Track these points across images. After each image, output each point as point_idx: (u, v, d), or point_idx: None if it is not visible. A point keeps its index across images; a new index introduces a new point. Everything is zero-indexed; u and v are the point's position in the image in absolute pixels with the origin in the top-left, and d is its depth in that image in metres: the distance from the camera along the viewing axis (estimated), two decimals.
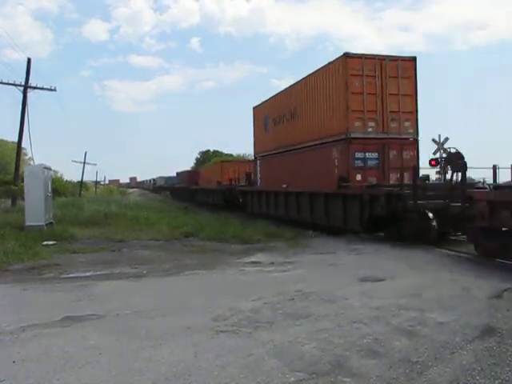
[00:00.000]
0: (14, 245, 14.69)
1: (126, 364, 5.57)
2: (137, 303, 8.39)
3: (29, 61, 31.01)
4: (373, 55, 18.41)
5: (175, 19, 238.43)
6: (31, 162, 37.81)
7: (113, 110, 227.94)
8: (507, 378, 5.04)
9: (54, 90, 32.29)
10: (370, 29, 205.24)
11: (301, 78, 22.33)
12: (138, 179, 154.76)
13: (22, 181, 22.55)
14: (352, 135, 17.73)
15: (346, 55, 17.82)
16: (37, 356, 5.88)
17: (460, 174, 14.71)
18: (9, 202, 31.94)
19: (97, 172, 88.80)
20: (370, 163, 18.01)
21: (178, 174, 72.05)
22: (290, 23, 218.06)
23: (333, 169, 18.69)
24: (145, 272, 11.41)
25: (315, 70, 20.62)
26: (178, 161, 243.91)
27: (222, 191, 38.71)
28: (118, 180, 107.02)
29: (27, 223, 18.57)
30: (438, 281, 9.80)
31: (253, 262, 12.59)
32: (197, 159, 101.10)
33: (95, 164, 72.86)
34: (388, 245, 14.93)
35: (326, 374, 5.18)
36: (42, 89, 31.93)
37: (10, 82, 30.74)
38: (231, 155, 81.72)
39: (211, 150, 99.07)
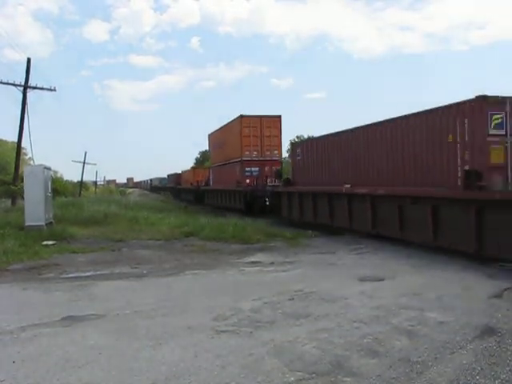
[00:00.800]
0: (14, 244, 14.71)
1: (126, 364, 5.57)
2: (137, 303, 8.39)
3: (28, 61, 30.91)
4: (256, 116, 31.90)
5: (175, 19, 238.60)
6: (31, 162, 37.76)
7: (113, 110, 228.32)
8: (507, 378, 5.04)
9: (54, 90, 32.21)
10: (370, 29, 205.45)
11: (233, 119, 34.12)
12: (136, 179, 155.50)
13: (22, 181, 22.49)
14: (243, 158, 31.42)
15: (241, 116, 31.76)
16: (37, 356, 5.89)
17: None
18: (9, 201, 31.91)
19: (96, 172, 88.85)
20: (254, 173, 31.08)
21: (168, 176, 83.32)
22: (289, 23, 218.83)
23: (234, 176, 32.57)
24: (145, 272, 11.42)
25: (228, 122, 35.77)
26: (179, 161, 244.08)
27: (193, 190, 51.67)
28: (114, 180, 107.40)
29: (27, 223, 18.54)
30: (439, 280, 9.80)
31: (253, 262, 12.59)
32: (197, 159, 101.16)
33: (95, 164, 73.01)
34: (388, 244, 14.92)
35: (325, 374, 5.18)
36: (41, 89, 31.81)
37: (10, 81, 30.60)
38: None
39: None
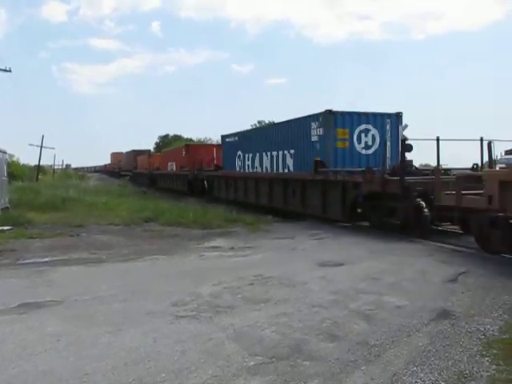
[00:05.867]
0: None
1: (85, 350, 5.52)
2: (95, 289, 8.31)
3: None
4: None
5: (135, 2, 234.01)
6: None
7: (72, 93, 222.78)
8: (460, 359, 5.20)
9: (9, 70, 31.59)
10: (331, 16, 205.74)
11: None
12: (92, 164, 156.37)
13: None
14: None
15: (187, 144, 42.41)
16: None
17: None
18: None
19: (55, 156, 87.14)
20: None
21: (112, 161, 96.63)
22: (251, 8, 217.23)
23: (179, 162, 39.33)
24: (104, 257, 11.30)
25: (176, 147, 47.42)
26: (138, 144, 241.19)
27: (147, 174, 55.00)
28: (69, 165, 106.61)
29: None
30: (397, 265, 9.98)
31: (213, 247, 12.60)
32: (156, 144, 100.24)
33: (53, 148, 71.43)
34: (347, 230, 15.12)
35: (285, 358, 5.24)
36: None
37: None
38: (191, 139, 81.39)
39: (171, 134, 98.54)
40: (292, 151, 20.28)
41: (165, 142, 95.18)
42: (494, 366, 5.03)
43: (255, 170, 24.22)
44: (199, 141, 77.25)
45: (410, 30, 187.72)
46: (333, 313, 6.83)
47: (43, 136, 63.62)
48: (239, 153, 26.39)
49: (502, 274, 9.11)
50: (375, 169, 15.23)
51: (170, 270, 10.03)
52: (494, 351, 5.43)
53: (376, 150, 17.54)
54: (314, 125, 18.34)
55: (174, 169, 41.49)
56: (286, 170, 20.86)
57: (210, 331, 6.13)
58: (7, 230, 15.39)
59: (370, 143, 17.81)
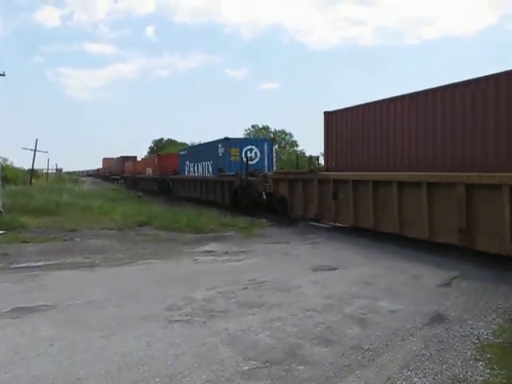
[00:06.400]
0: None
1: (78, 355, 5.50)
2: (89, 293, 8.28)
3: None
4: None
5: (129, 7, 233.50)
6: None
7: (66, 98, 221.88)
8: (454, 363, 5.21)
9: (3, 74, 31.31)
10: (325, 21, 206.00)
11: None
12: (87, 167, 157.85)
13: None
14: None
15: (158, 154, 50.22)
16: None
17: None
18: None
19: (48, 160, 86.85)
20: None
21: (103, 166, 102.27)
22: (245, 13, 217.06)
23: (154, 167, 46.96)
24: (97, 262, 11.26)
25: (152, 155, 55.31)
26: (133, 149, 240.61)
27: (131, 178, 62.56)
28: (60, 169, 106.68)
29: None
30: (390, 270, 9.99)
31: (207, 252, 12.57)
32: (150, 148, 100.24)
33: (46, 152, 71.36)
34: (341, 235, 15.13)
35: (279, 363, 5.24)
36: None
37: None
38: (185, 144, 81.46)
39: (165, 138, 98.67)
40: (211, 162, 29.48)
41: (159, 146, 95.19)
42: (488, 370, 5.04)
43: (194, 174, 33.44)
44: (192, 144, 77.64)
45: (404, 35, 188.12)
46: (327, 317, 6.84)
47: (37, 140, 63.48)
48: (187, 162, 35.91)
49: (496, 277, 9.14)
50: (239, 172, 23.60)
51: (163, 275, 10.01)
52: (488, 355, 5.44)
53: (257, 162, 25.78)
54: (219, 145, 27.70)
55: (151, 173, 49.55)
56: (209, 175, 29.78)
57: (204, 335, 6.12)
58: (0, 234, 15.31)
59: (253, 157, 25.64)
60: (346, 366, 5.18)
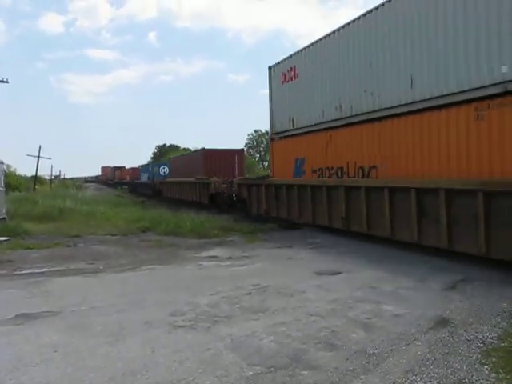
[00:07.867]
0: None
1: (82, 361, 5.49)
2: (93, 299, 8.28)
3: None
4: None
5: (132, 13, 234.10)
6: None
7: (70, 104, 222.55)
8: (459, 367, 5.18)
9: (7, 81, 31.55)
10: (326, 26, 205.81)
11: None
12: (88, 173, 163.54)
13: None
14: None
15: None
16: None
17: None
18: None
19: (52, 166, 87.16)
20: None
21: (102, 173, 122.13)
22: (247, 18, 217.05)
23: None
24: (101, 267, 11.27)
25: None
26: (137, 154, 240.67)
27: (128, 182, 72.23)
28: (58, 176, 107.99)
29: None
30: (393, 274, 9.95)
31: (210, 257, 12.57)
32: (154, 153, 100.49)
33: (49, 158, 71.68)
34: (344, 239, 15.10)
35: (283, 368, 5.22)
36: None
37: None
38: (188, 149, 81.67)
39: (168, 144, 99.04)
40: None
41: (162, 151, 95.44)
42: (493, 375, 5.01)
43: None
44: (195, 149, 78.43)
45: None
46: (331, 321, 6.82)
47: (40, 146, 63.80)
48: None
49: (500, 281, 9.11)
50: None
51: (167, 280, 10.00)
52: (493, 359, 5.41)
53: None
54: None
55: (128, 179, 60.35)
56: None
57: (208, 341, 6.11)
58: (4, 240, 15.33)
59: None
60: (350, 370, 5.16)
